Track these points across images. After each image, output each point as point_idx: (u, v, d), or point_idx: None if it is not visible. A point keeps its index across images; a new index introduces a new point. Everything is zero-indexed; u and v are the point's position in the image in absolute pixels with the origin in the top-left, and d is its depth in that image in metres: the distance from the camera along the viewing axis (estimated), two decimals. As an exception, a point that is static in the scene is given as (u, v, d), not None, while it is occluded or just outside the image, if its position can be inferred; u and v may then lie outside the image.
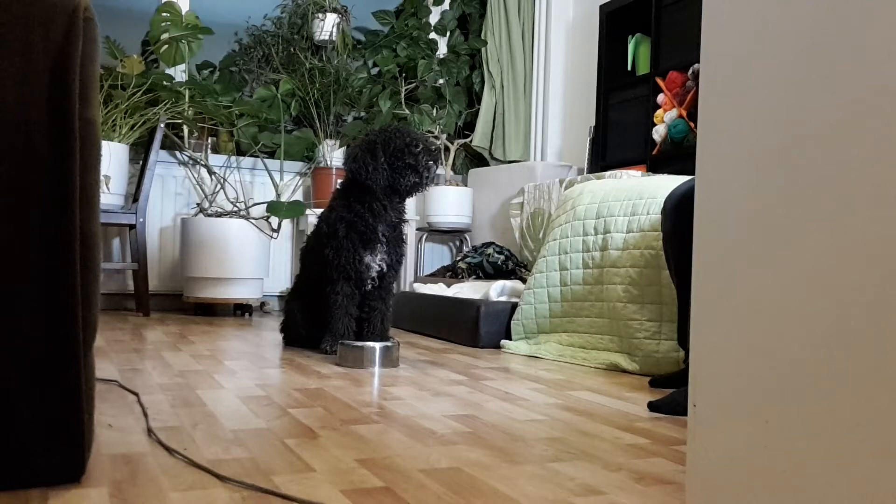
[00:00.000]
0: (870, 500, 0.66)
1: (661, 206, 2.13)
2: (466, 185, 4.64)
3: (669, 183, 2.45)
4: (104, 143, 3.43)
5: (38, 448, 0.96)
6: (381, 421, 1.49)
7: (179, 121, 3.90)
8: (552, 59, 4.62)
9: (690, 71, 3.48)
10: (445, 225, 4.41)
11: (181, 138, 4.13)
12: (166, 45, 3.89)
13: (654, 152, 3.63)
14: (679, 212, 1.87)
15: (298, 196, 4.36)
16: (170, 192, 4.15)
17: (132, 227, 3.68)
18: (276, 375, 2.01)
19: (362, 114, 4.61)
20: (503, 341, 2.77)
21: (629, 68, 3.94)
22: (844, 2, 0.69)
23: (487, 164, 4.72)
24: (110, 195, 3.56)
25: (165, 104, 3.78)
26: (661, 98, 3.62)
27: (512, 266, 3.79)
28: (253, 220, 3.85)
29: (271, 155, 4.28)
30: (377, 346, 2.24)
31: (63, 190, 0.95)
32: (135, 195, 3.77)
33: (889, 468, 0.64)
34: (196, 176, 4.17)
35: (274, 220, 3.98)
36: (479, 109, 4.68)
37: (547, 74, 4.63)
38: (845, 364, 0.68)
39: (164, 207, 4.15)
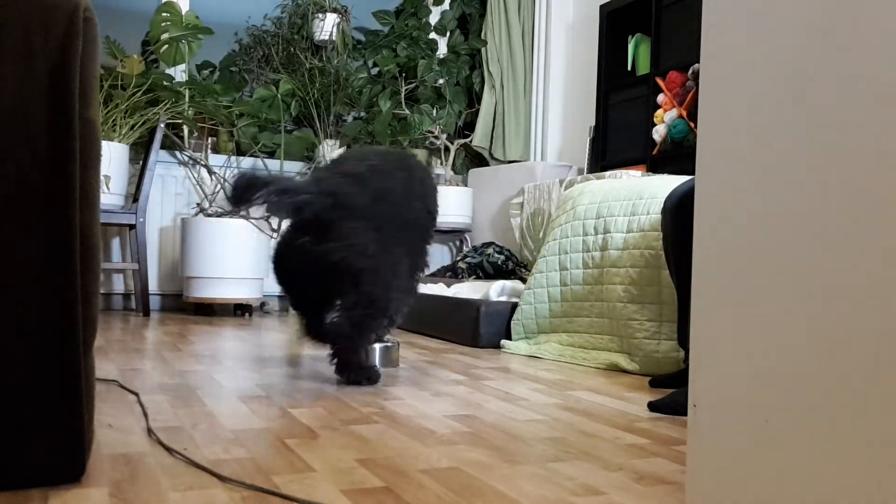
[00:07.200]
0: (870, 499, 0.66)
1: (661, 206, 2.13)
2: (466, 185, 4.64)
3: (669, 183, 2.45)
4: (104, 143, 3.43)
5: (38, 448, 0.96)
6: (381, 421, 1.49)
7: (179, 121, 3.90)
8: (552, 59, 4.62)
9: (690, 71, 3.48)
10: (445, 225, 4.41)
11: (181, 138, 4.13)
12: (166, 45, 3.89)
13: (654, 152, 3.63)
14: (679, 212, 1.87)
15: (298, 196, 4.36)
16: (170, 192, 4.14)
17: (132, 227, 3.68)
18: (277, 375, 2.01)
19: (362, 114, 4.61)
20: (503, 341, 2.77)
21: (629, 68, 3.94)
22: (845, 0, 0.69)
23: (487, 164, 4.72)
24: (110, 195, 3.56)
25: (165, 104, 3.78)
26: (661, 98, 3.62)
27: (512, 266, 3.79)
28: (253, 220, 3.84)
29: (271, 155, 4.28)
30: (377, 346, 2.24)
31: (63, 190, 0.95)
32: (135, 195, 3.77)
33: (890, 468, 0.64)
34: (196, 176, 4.17)
35: (274, 220, 3.98)
36: (479, 109, 4.68)
37: (547, 74, 4.63)
38: (845, 363, 0.68)
39: (164, 207, 4.15)
